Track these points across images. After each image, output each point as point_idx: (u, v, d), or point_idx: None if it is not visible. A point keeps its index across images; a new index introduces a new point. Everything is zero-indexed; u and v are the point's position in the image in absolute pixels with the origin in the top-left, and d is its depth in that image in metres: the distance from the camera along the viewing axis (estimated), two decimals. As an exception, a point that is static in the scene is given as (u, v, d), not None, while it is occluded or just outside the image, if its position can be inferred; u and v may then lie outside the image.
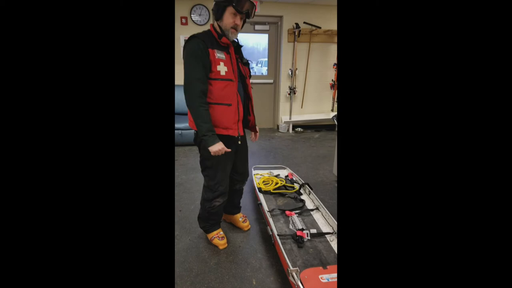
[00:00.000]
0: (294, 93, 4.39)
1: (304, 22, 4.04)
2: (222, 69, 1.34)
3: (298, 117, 4.50)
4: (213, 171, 1.52)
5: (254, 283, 1.42)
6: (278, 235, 1.64)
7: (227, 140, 1.42)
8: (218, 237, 1.73)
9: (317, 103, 4.56)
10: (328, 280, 1.27)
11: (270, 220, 1.78)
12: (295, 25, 4.03)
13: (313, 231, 1.69)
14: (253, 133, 1.73)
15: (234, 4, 1.28)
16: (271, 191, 2.21)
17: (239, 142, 1.48)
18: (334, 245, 1.60)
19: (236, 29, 1.35)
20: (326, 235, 1.67)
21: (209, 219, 1.70)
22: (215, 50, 1.32)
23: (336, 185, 2.59)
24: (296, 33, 4.06)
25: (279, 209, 1.95)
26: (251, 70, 1.55)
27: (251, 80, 1.55)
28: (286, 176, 2.49)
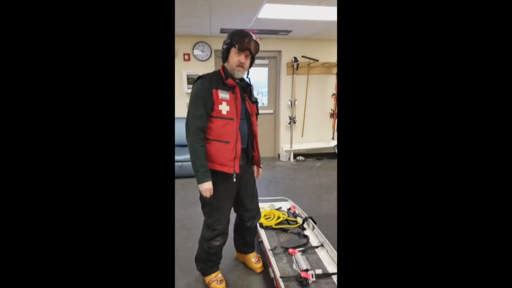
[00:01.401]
0: (294, 123, 4.42)
1: (302, 56, 4.19)
2: (224, 108, 1.40)
3: (299, 145, 4.49)
4: (211, 208, 1.50)
5: (256, 334, 1.30)
6: (281, 277, 1.53)
7: (222, 176, 1.44)
8: (216, 280, 1.63)
9: (317, 131, 4.58)
10: (336, 331, 1.16)
11: (272, 260, 1.68)
12: (293, 59, 4.18)
13: (319, 271, 1.59)
14: (255, 170, 1.70)
15: (235, 44, 1.37)
16: (273, 226, 2.12)
17: (234, 180, 1.47)
18: None
19: (242, 66, 1.42)
20: (332, 276, 1.57)
21: (207, 260, 1.62)
22: (219, 90, 1.40)
23: (340, 218, 2.50)
24: (295, 66, 4.19)
25: (281, 247, 1.85)
26: (258, 101, 1.61)
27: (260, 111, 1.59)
28: (289, 209, 2.41)
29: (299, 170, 3.95)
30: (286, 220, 2.21)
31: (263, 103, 4.73)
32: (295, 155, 4.49)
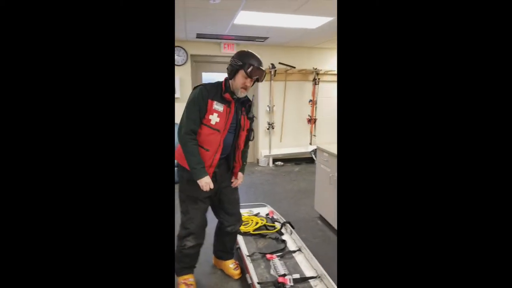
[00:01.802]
0: (273, 128, 4.47)
1: (280, 63, 4.27)
2: (213, 119, 1.48)
3: (277, 150, 4.54)
4: (185, 205, 1.56)
5: None
6: (258, 283, 1.52)
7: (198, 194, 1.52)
8: (185, 283, 1.60)
9: (295, 137, 4.65)
10: (313, 335, 1.16)
11: (250, 266, 1.66)
12: (271, 65, 4.24)
13: (296, 276, 1.59)
14: (234, 178, 1.71)
15: (246, 70, 1.43)
16: (251, 232, 2.10)
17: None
18: (318, 291, 1.50)
19: (246, 88, 1.50)
20: (309, 280, 1.57)
21: (180, 261, 1.60)
22: (215, 102, 1.48)
23: (318, 222, 2.53)
24: (272, 73, 4.25)
25: (259, 253, 1.84)
26: (254, 119, 1.67)
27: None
28: (267, 215, 2.41)
29: (278, 175, 3.98)
30: (265, 225, 2.20)
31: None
32: (274, 160, 4.52)
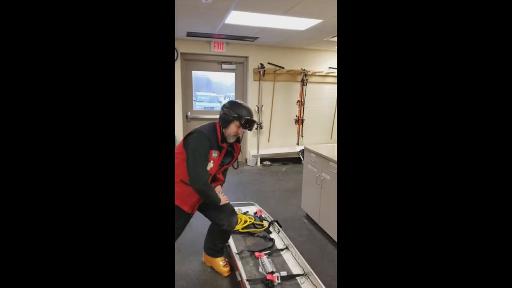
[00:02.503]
0: (261, 128, 4.51)
1: (269, 63, 4.31)
2: (209, 166, 1.62)
3: (265, 150, 4.58)
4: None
5: None
6: (247, 280, 1.55)
7: (179, 211, 1.64)
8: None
9: (283, 137, 4.71)
10: (300, 329, 1.20)
11: (239, 263, 1.69)
12: (260, 65, 4.27)
13: (283, 273, 1.64)
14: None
15: (242, 123, 1.59)
16: (240, 230, 2.13)
17: (191, 219, 1.73)
18: (304, 287, 1.55)
19: (236, 135, 1.66)
20: (296, 277, 1.63)
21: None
22: (213, 150, 1.62)
23: (305, 220, 2.60)
24: (261, 73, 4.29)
25: (248, 251, 1.87)
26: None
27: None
28: (255, 213, 2.44)
29: (265, 174, 4.03)
30: (253, 224, 2.23)
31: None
32: (262, 160, 4.56)
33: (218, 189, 1.81)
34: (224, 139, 1.65)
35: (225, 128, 1.63)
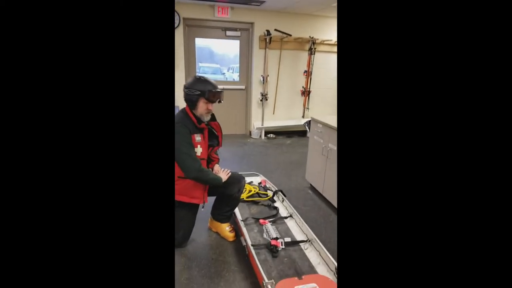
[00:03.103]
0: (266, 100, 4.41)
1: (275, 30, 4.10)
2: (198, 150, 1.60)
3: (270, 123, 4.52)
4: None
5: (228, 298, 1.35)
6: (252, 245, 1.58)
7: (190, 207, 1.67)
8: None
9: (288, 109, 4.62)
10: (303, 291, 1.24)
11: (244, 230, 1.72)
12: (266, 32, 4.07)
13: (287, 239, 1.67)
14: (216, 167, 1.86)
15: (207, 97, 1.53)
16: (245, 199, 2.15)
17: (202, 209, 1.74)
18: (308, 253, 1.58)
19: (209, 112, 1.61)
20: (300, 244, 1.66)
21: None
22: (195, 135, 1.58)
23: (309, 191, 2.61)
24: (267, 40, 4.10)
25: (252, 218, 1.90)
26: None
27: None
28: (259, 183, 2.46)
29: (270, 147, 4.01)
30: (257, 193, 2.25)
31: (233, 79, 4.63)
32: (266, 133, 4.52)
33: (216, 168, 1.80)
34: (199, 119, 1.60)
35: (194, 109, 1.58)
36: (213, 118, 1.69)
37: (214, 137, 1.73)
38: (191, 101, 1.56)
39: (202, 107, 1.56)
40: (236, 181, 1.78)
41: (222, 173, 1.75)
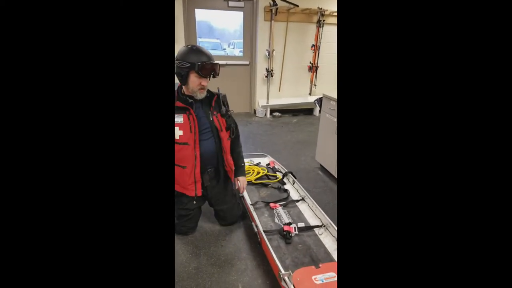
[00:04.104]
0: (272, 76, 4.18)
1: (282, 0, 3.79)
2: (176, 133, 1.38)
3: (275, 101, 4.33)
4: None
5: (241, 287, 1.27)
6: (264, 231, 1.49)
7: (186, 197, 1.51)
8: None
9: (295, 86, 4.41)
10: (322, 281, 1.16)
11: (254, 214, 1.63)
12: (271, 2, 3.76)
13: (301, 224, 1.57)
14: (237, 184, 1.67)
15: (197, 70, 1.30)
16: (253, 181, 2.05)
17: (194, 202, 1.53)
18: (323, 239, 1.49)
19: (203, 88, 1.38)
20: (314, 229, 1.56)
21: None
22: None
23: (319, 172, 2.50)
24: (273, 11, 3.80)
25: (262, 202, 1.80)
26: (230, 114, 1.54)
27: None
28: (268, 165, 2.34)
29: (276, 126, 3.86)
30: (266, 175, 2.15)
31: (234, 55, 4.38)
32: (272, 111, 4.35)
33: (241, 180, 1.65)
34: (181, 97, 1.39)
35: (185, 84, 1.36)
36: (218, 106, 1.46)
37: (209, 126, 1.46)
38: (181, 75, 1.33)
39: (193, 82, 1.34)
40: (229, 207, 1.67)
41: (239, 188, 1.64)
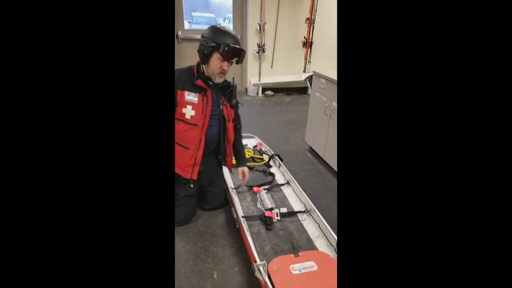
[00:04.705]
0: (263, 52, 3.97)
1: (274, -33, 3.50)
2: (188, 112, 1.33)
3: (268, 79, 4.15)
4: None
5: (215, 277, 1.22)
6: (243, 217, 1.42)
7: (182, 179, 1.44)
8: None
9: (288, 63, 4.21)
10: (300, 271, 1.10)
11: (235, 199, 1.55)
12: (263, -30, 3.48)
13: (284, 210, 1.51)
14: (240, 173, 1.61)
15: (222, 53, 1.23)
16: (238, 164, 1.96)
17: (191, 186, 1.47)
18: (306, 225, 1.43)
19: (223, 73, 1.32)
20: (297, 214, 1.50)
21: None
22: (186, 92, 1.32)
23: (308, 154, 2.41)
24: (265, -20, 3.52)
25: (246, 185, 1.73)
26: (238, 106, 1.51)
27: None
28: (255, 147, 2.25)
29: (267, 105, 3.72)
30: (252, 157, 2.06)
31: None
32: (264, 90, 4.18)
33: (244, 171, 1.59)
34: (201, 76, 1.33)
35: (205, 63, 1.30)
36: (232, 105, 1.43)
37: (218, 111, 1.44)
38: (203, 53, 1.27)
39: (215, 64, 1.28)
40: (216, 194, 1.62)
41: (242, 178, 1.59)
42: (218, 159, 1.58)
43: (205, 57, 1.27)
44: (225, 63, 1.28)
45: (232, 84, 1.43)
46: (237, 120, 1.52)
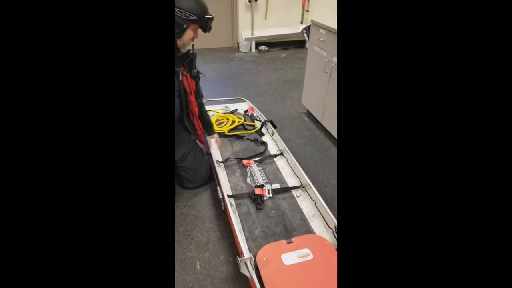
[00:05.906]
0: (256, 1, 3.48)
1: None
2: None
3: (261, 32, 3.72)
4: None
5: (198, 267, 1.09)
6: (230, 196, 1.26)
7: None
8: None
9: (283, 13, 3.74)
10: (293, 261, 0.96)
11: (221, 176, 1.38)
12: None
13: (276, 186, 1.34)
14: (212, 143, 1.56)
15: (203, 25, 1.21)
16: (226, 133, 1.75)
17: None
18: (301, 202, 1.27)
19: (192, 41, 1.28)
20: (292, 190, 1.33)
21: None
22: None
23: (305, 119, 2.18)
24: None
25: (235, 158, 1.54)
26: (200, 76, 1.38)
27: None
28: (246, 112, 2.01)
29: (261, 63, 3.37)
30: (242, 124, 1.84)
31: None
32: (257, 44, 3.78)
33: (215, 138, 1.55)
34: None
35: (180, 37, 1.22)
36: (189, 66, 1.32)
37: (181, 90, 1.32)
38: (181, 26, 1.17)
39: (189, 34, 1.22)
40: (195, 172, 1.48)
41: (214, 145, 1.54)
42: (188, 133, 1.49)
43: (181, 30, 1.19)
44: (196, 32, 1.25)
45: (191, 51, 1.31)
46: (197, 93, 1.39)
